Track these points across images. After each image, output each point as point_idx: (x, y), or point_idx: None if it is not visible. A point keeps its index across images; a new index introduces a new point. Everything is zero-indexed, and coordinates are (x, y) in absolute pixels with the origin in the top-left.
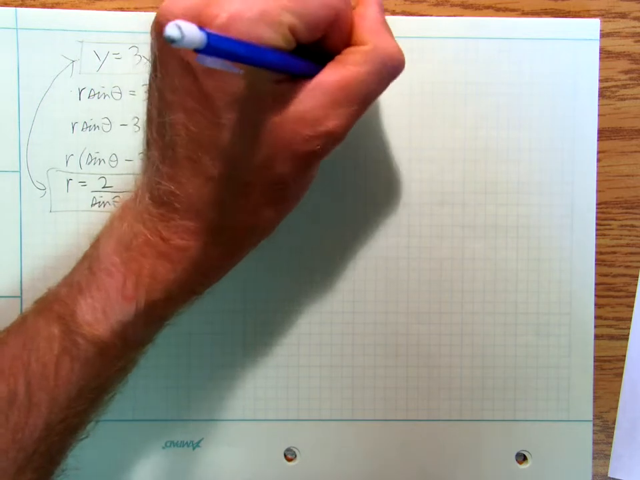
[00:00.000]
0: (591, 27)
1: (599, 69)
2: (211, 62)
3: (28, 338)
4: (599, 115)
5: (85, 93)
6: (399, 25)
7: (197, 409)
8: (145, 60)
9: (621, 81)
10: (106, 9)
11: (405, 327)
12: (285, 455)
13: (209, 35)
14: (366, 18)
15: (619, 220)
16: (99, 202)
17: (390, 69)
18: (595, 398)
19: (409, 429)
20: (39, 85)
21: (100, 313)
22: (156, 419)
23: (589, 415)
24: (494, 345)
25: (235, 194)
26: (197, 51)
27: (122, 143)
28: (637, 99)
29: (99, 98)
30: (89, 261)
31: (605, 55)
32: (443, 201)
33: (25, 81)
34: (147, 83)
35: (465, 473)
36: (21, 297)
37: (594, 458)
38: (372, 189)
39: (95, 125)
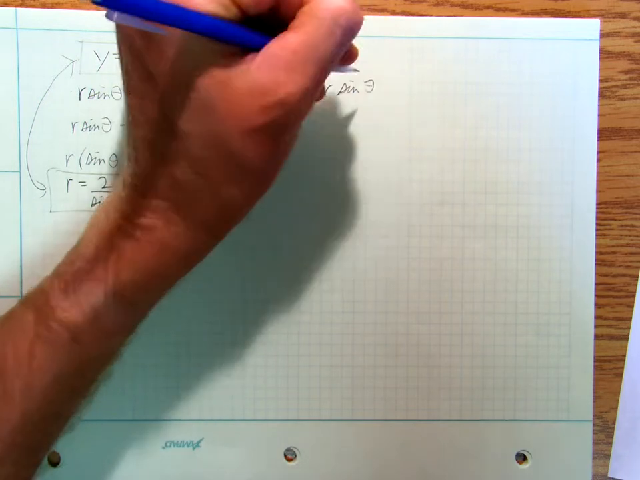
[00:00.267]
0: (591, 27)
1: (599, 69)
2: (121, 18)
3: (6, 327)
4: (599, 115)
5: (84, 93)
6: (398, 25)
7: (197, 409)
8: None
9: (620, 81)
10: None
11: (405, 326)
12: (285, 455)
13: None
14: None
15: (619, 220)
16: (99, 202)
17: (343, 23)
18: (595, 398)
19: (409, 429)
20: (39, 85)
21: (72, 297)
22: (156, 419)
23: (589, 415)
24: (494, 345)
25: (193, 172)
26: (107, 6)
27: (122, 143)
28: (636, 99)
29: (98, 98)
30: (71, 251)
31: (605, 55)
32: (443, 201)
33: (25, 81)
34: None
35: (465, 473)
36: (21, 297)
37: (594, 458)
38: (372, 188)
39: (94, 125)
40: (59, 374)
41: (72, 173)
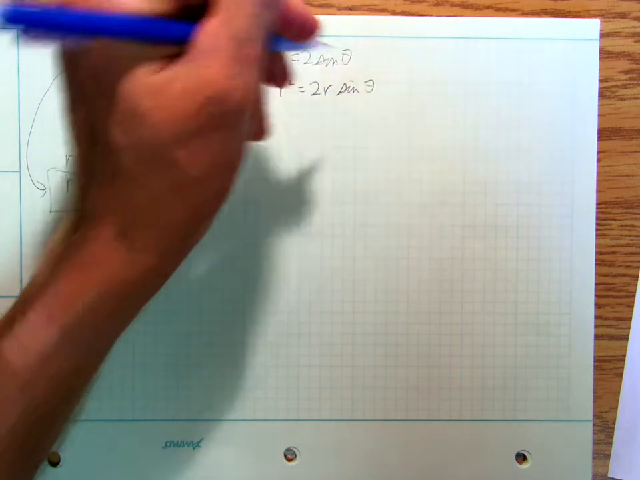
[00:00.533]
0: (591, 26)
1: (599, 69)
2: (33, 37)
3: None
4: (599, 115)
5: None
6: (398, 25)
7: (197, 409)
8: None
9: (620, 81)
10: None
11: (405, 326)
12: (285, 455)
13: (7, 11)
14: None
15: (619, 220)
16: None
17: None
18: (595, 398)
19: (409, 429)
20: (38, 85)
21: (18, 337)
22: (156, 419)
23: (589, 415)
24: (494, 345)
25: (133, 190)
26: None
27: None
28: (636, 99)
29: None
30: (27, 285)
31: (605, 55)
32: (443, 201)
33: (25, 81)
34: None
35: (465, 473)
36: None
37: (594, 458)
38: (372, 189)
39: None
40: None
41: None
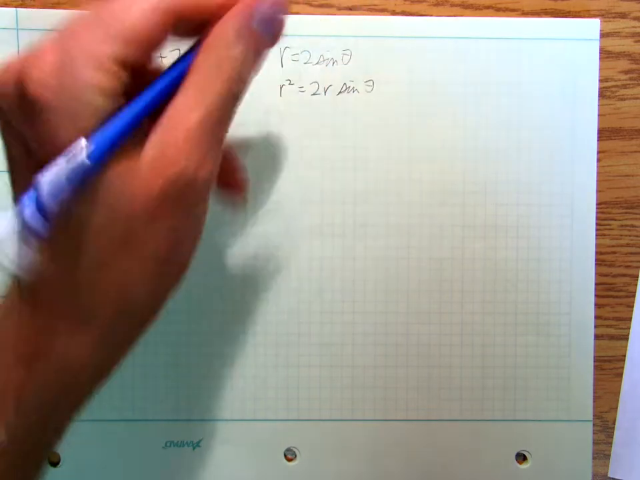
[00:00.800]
0: (591, 26)
1: (599, 69)
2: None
3: None
4: (599, 115)
5: None
6: (399, 25)
7: (197, 409)
8: None
9: (621, 81)
10: None
11: (405, 326)
12: (285, 455)
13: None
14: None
15: (619, 220)
16: None
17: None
18: (595, 398)
19: (409, 429)
20: None
21: None
22: (156, 419)
23: (589, 415)
24: (494, 345)
25: (95, 268)
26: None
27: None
28: (636, 98)
29: None
30: None
31: (605, 55)
32: (443, 201)
33: None
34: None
35: (465, 473)
36: None
37: (594, 458)
38: (372, 189)
39: None
40: None
41: None
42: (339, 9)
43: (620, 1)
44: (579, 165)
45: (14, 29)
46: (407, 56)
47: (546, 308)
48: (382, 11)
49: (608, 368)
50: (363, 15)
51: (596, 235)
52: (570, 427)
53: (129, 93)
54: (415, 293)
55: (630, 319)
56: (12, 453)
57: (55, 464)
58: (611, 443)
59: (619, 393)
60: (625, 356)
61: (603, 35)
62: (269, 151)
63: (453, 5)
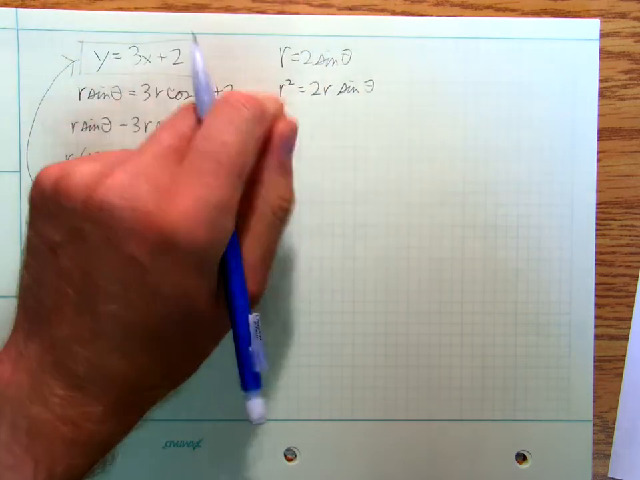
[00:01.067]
0: (591, 26)
1: (599, 69)
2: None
3: None
4: (599, 115)
5: (84, 93)
6: (399, 25)
7: (197, 409)
8: (145, 60)
9: (621, 81)
10: (106, 9)
11: (405, 326)
12: (285, 455)
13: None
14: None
15: (619, 220)
16: None
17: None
18: (595, 398)
19: (409, 429)
20: (38, 85)
21: None
22: (156, 419)
23: (589, 415)
24: (494, 345)
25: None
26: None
27: (122, 143)
28: (636, 98)
29: (99, 98)
30: None
31: (605, 55)
32: (443, 201)
33: (25, 81)
34: (39, 259)
35: (465, 473)
36: None
37: (594, 458)
38: (372, 189)
39: (94, 125)
40: None
41: None
42: (339, 9)
43: (620, 1)
44: (579, 165)
45: (14, 29)
46: (407, 56)
47: (546, 308)
48: (382, 10)
49: (608, 368)
50: (363, 15)
51: (596, 235)
52: (570, 426)
53: None
54: (415, 293)
55: (630, 319)
56: None
57: None
58: (611, 443)
59: (619, 393)
60: (624, 356)
61: (603, 35)
62: None
63: (452, 5)
